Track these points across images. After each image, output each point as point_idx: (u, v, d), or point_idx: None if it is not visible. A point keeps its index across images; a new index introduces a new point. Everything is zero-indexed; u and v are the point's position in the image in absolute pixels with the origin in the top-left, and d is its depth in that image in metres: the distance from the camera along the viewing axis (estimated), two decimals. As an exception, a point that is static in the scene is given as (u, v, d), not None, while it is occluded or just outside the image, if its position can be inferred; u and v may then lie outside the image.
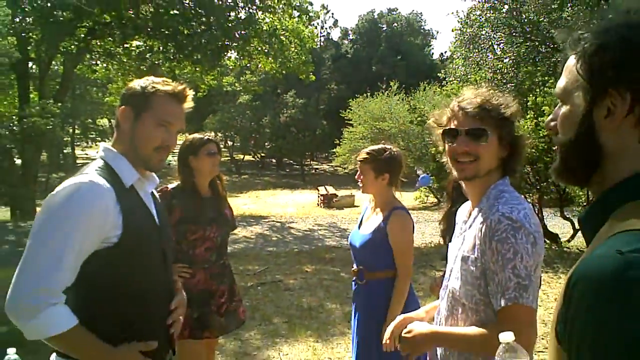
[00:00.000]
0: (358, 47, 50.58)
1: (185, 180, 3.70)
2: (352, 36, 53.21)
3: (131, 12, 13.32)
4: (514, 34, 14.76)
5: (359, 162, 3.61)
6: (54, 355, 2.09)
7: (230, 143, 49.86)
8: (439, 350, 2.11)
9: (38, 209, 2.03)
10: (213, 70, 15.74)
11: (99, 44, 14.57)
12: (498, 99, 2.00)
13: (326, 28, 51.10)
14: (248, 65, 17.89)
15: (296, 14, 16.67)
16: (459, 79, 15.09)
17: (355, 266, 3.69)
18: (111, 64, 15.88)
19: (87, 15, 12.66)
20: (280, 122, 40.73)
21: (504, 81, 13.12)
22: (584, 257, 0.98)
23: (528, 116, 9.58)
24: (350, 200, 22.31)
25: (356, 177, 3.66)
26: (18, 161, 13.07)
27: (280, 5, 16.09)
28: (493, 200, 1.95)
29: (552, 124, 1.20)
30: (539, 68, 11.79)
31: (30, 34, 12.47)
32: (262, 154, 47.08)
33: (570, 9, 13.46)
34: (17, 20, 12.47)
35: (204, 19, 14.10)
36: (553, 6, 13.91)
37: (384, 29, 52.09)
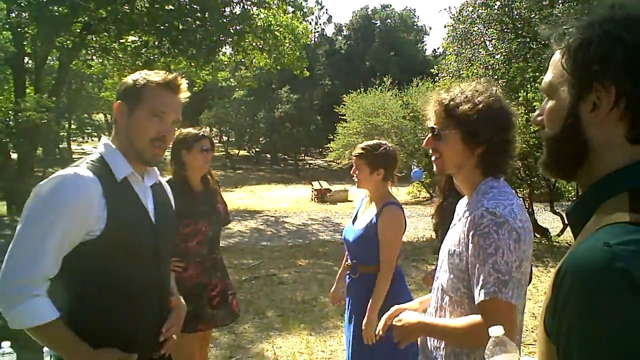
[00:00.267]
0: (352, 43, 50.43)
1: (177, 174, 3.72)
2: (346, 32, 53.02)
3: (126, 7, 13.30)
4: (505, 30, 14.81)
5: (354, 158, 3.66)
6: (46, 348, 2.13)
7: (225, 138, 49.68)
8: (429, 340, 2.18)
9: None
10: (208, 65, 15.70)
11: (94, 39, 14.49)
12: (467, 96, 2.01)
13: (320, 24, 50.96)
14: (243, 60, 17.83)
15: (290, 9, 16.65)
16: (451, 75, 15.13)
17: (349, 260, 3.75)
18: (107, 59, 15.81)
19: (83, 10, 12.60)
20: (274, 118, 40.56)
21: (496, 77, 13.16)
22: (571, 250, 0.99)
23: (519, 112, 9.65)
24: (344, 195, 22.31)
25: (351, 172, 3.69)
26: (14, 156, 13.02)
27: (275, 1, 16.06)
28: (481, 196, 1.99)
29: (539, 118, 1.21)
30: (530, 64, 11.84)
31: (26, 28, 12.42)
32: (257, 149, 46.86)
33: (561, 5, 13.52)
34: (13, 15, 12.44)
35: (198, 14, 14.06)
36: (544, 3, 13.96)
37: (378, 25, 51.94)
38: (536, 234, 10.57)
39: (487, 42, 15.55)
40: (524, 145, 9.15)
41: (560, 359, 0.95)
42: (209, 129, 43.48)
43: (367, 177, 3.58)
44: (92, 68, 17.25)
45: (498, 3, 14.78)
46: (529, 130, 9.04)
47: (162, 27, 13.39)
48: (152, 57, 14.60)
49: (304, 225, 15.71)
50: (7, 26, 12.31)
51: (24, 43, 12.89)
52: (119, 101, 2.19)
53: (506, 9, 14.84)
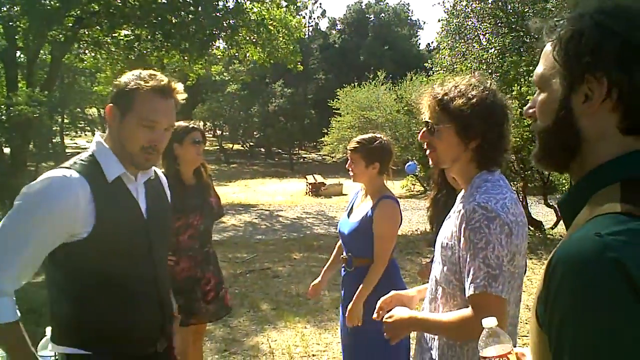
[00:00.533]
0: (346, 37, 50.28)
1: (169, 168, 3.70)
2: (340, 26, 52.90)
3: (119, 0, 13.22)
4: (499, 24, 14.83)
5: (349, 151, 3.66)
6: (44, 340, 2.13)
7: (219, 132, 49.57)
8: (425, 333, 2.20)
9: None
10: (201, 59, 15.63)
11: (87, 33, 14.37)
12: (461, 90, 2.02)
13: (314, 18, 50.63)
14: (236, 54, 17.75)
15: (284, 3, 16.57)
16: (445, 69, 15.14)
17: (344, 253, 3.76)
18: (99, 53, 15.70)
19: (75, 4, 12.53)
20: (268, 112, 40.49)
21: (489, 71, 13.18)
22: (563, 240, 0.99)
23: (513, 105, 9.66)
24: (338, 188, 22.33)
25: (347, 166, 3.70)
26: (6, 150, 12.95)
27: (269, -5, 16.03)
28: (474, 190, 2.00)
29: (531, 110, 1.21)
30: (523, 58, 11.84)
31: (18, 22, 12.33)
32: (251, 143, 46.78)
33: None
34: (4, 9, 12.35)
35: (192, 7, 14.00)
36: (538, -3, 13.99)
37: (372, 19, 51.78)
38: (530, 227, 10.60)
39: (481, 36, 15.57)
40: (518, 139, 9.18)
41: (552, 349, 0.95)
42: (203, 123, 43.51)
43: (363, 171, 3.59)
44: (85, 62, 17.15)
45: (492, -3, 14.80)
46: (522, 124, 9.06)
47: (154, 21, 13.32)
48: (144, 51, 14.52)
49: (299, 219, 15.72)
50: (-2, 20, 12.26)
51: (16, 37, 12.79)
52: (111, 104, 2.15)
53: (500, 3, 14.87)
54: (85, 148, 2.25)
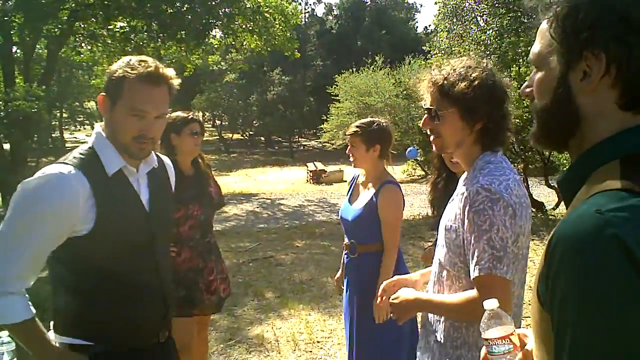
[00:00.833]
0: (342, 22, 50.11)
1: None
2: (337, 11, 52.68)
3: (113, -9, 13.14)
4: (496, 5, 14.69)
5: (348, 137, 3.65)
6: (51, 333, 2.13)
7: (218, 122, 49.56)
8: (430, 314, 2.21)
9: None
10: (198, 49, 15.56)
11: (82, 26, 14.30)
12: (461, 74, 2.01)
13: (310, 4, 50.74)
14: (233, 43, 17.67)
15: (279, -10, 16.51)
16: (443, 52, 15.08)
17: (347, 240, 3.75)
18: (96, 46, 15.61)
19: (69, -4, 12.50)
20: (267, 100, 40.44)
21: (488, 52, 13.13)
22: (563, 218, 0.98)
23: (512, 86, 9.62)
24: (339, 175, 22.34)
25: (347, 152, 3.68)
26: (6, 146, 12.91)
27: (264, -18, 15.92)
28: (477, 172, 2.00)
29: (528, 90, 1.19)
30: (521, 38, 11.80)
31: (12, 17, 12.26)
32: (251, 132, 46.79)
33: (552, -21, 13.43)
34: (-1, 5, 12.31)
35: (187, -3, 13.93)
36: (535, -24, 13.86)
37: (368, 3, 51.59)
38: (532, 209, 10.61)
39: (479, 18, 15.44)
40: (518, 120, 9.16)
41: (554, 328, 0.94)
42: (202, 113, 43.48)
43: (364, 155, 3.57)
44: (82, 55, 17.08)
45: (489, -23, 14.68)
46: (522, 105, 9.04)
47: (150, 11, 13.24)
48: (141, 43, 14.44)
49: (300, 206, 15.73)
50: (-8, 15, 12.17)
51: (11, 32, 12.72)
52: (103, 94, 2.11)
53: (496, -16, 14.74)
54: (85, 142, 2.20)
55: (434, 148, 2.16)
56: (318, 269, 8.17)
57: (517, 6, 14.05)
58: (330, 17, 52.60)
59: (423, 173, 20.22)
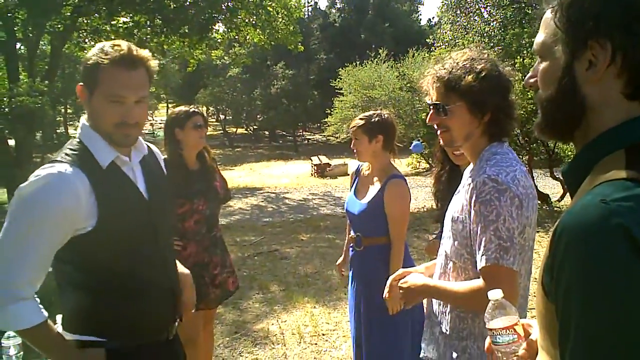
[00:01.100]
0: (346, 15, 50.00)
1: (172, 153, 3.69)
2: (340, 4, 52.55)
3: (116, -13, 13.13)
4: (500, -5, 14.68)
5: (352, 130, 3.64)
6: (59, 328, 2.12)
7: (222, 117, 49.55)
8: (435, 305, 2.22)
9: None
10: (201, 43, 15.55)
11: (85, 21, 14.31)
12: (466, 66, 2.01)
13: (313, -3, 50.46)
14: (236, 37, 17.65)
15: (282, -16, 16.46)
16: (447, 44, 15.03)
17: (352, 233, 3.75)
18: (99, 41, 15.54)
19: (72, -8, 12.49)
20: (271, 94, 40.38)
21: (492, 44, 13.07)
22: (568, 208, 0.97)
23: (516, 78, 9.58)
24: (344, 169, 22.32)
25: (351, 146, 3.68)
26: (11, 142, 12.94)
27: (266, -24, 15.88)
28: (484, 163, 2.00)
29: (532, 80, 1.18)
30: (525, 30, 11.73)
31: (16, 13, 12.26)
32: (255, 127, 46.76)
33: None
34: (2, 1, 12.27)
35: (189, -9, 13.92)
36: (539, -33, 13.80)
37: (371, -5, 51.45)
38: (537, 200, 10.60)
39: (482, 10, 15.40)
40: (522, 112, 9.12)
41: (559, 318, 0.94)
42: (206, 108, 43.45)
43: (367, 147, 3.55)
44: (85, 51, 17.05)
45: (492, -31, 14.62)
46: (526, 97, 9.00)
47: (153, 6, 13.24)
48: (144, 38, 14.43)
49: (305, 200, 15.74)
50: (-4, 12, 12.16)
51: (15, 28, 12.72)
52: (81, 83, 2.06)
53: (500, -25, 14.68)
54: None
55: (441, 142, 2.17)
56: (323, 262, 8.18)
57: (520, -3, 14.00)
58: (334, 10, 52.44)
59: (427, 166, 20.20)
